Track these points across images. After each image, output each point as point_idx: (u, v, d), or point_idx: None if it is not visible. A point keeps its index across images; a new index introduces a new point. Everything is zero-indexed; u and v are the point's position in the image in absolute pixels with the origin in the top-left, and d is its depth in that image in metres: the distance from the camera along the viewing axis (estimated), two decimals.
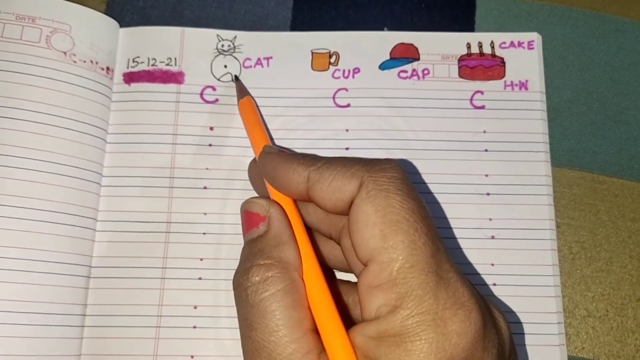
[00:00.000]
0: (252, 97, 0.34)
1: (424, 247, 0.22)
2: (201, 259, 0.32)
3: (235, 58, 0.35)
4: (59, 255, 0.31)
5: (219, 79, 0.35)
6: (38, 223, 0.31)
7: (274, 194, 0.28)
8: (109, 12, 0.36)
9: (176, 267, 0.32)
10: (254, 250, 0.26)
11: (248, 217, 0.27)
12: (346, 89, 0.35)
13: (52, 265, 0.31)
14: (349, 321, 0.27)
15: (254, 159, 0.31)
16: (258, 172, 0.30)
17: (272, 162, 0.27)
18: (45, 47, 0.33)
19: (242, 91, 0.34)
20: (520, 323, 0.32)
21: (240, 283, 0.25)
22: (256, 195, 0.31)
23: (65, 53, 0.33)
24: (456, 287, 0.22)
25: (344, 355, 0.23)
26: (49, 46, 0.33)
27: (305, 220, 0.28)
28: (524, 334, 0.32)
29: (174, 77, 0.35)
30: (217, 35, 0.36)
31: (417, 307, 0.22)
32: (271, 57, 0.35)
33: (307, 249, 0.26)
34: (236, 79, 0.35)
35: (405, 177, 0.24)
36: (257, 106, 0.34)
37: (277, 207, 0.27)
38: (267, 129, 0.34)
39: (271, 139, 0.34)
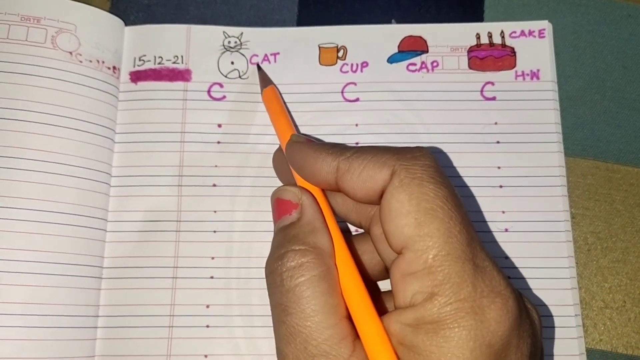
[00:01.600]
0: (276, 86, 0.34)
1: (460, 235, 0.22)
2: (212, 258, 0.32)
3: (242, 54, 0.35)
4: (70, 257, 0.31)
5: (226, 76, 0.35)
6: (48, 225, 0.31)
7: (301, 183, 0.28)
8: (113, 10, 0.36)
9: (187, 266, 0.32)
10: (288, 237, 0.26)
11: (280, 204, 0.27)
12: (355, 83, 0.34)
13: (64, 267, 0.30)
14: (380, 309, 0.27)
15: (279, 148, 0.31)
16: (284, 162, 0.29)
17: (300, 151, 0.27)
18: (51, 47, 0.33)
19: (265, 80, 0.34)
20: None
21: (275, 269, 0.25)
22: (282, 184, 0.31)
23: (71, 53, 0.33)
24: (492, 276, 0.23)
25: (379, 342, 0.23)
26: (55, 46, 0.33)
27: (334, 210, 0.28)
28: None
29: (180, 75, 0.35)
30: (224, 32, 0.35)
31: (455, 295, 0.22)
32: (278, 53, 0.35)
33: (338, 237, 0.26)
34: (258, 68, 0.35)
35: (437, 164, 0.24)
36: (281, 94, 0.34)
37: (309, 194, 0.27)
38: (292, 118, 0.33)
39: (296, 127, 0.33)
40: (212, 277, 0.32)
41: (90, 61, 0.33)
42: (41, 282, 0.30)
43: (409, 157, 0.24)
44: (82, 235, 0.31)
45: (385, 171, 0.24)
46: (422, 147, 0.25)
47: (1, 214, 0.30)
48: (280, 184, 0.31)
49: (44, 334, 0.29)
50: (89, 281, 0.31)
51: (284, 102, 0.34)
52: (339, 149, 0.26)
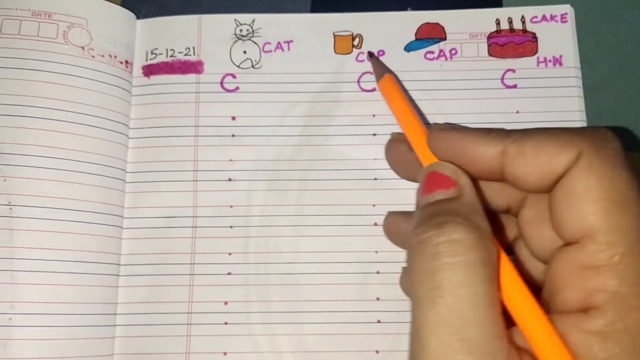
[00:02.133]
0: (393, 73, 0.32)
1: None
2: (229, 254, 0.32)
3: (255, 43, 0.34)
4: (87, 255, 0.31)
5: (238, 66, 0.34)
6: (64, 223, 0.30)
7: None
8: (124, 4, 0.35)
9: (205, 262, 0.32)
10: (445, 209, 0.23)
11: (434, 178, 0.24)
12: (371, 73, 0.34)
13: (81, 265, 0.30)
14: None
15: (394, 140, 0.29)
16: (405, 153, 0.28)
17: (454, 138, 0.25)
18: (63, 42, 0.32)
19: (380, 68, 0.32)
20: None
21: (428, 239, 0.21)
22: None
23: (83, 48, 0.32)
24: None
25: (560, 357, 0.20)
26: (67, 42, 0.32)
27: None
28: None
29: (193, 67, 0.34)
30: (235, 19, 0.35)
31: None
32: (292, 41, 0.34)
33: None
34: (371, 55, 0.33)
35: (624, 151, 0.22)
36: (400, 82, 0.32)
37: (468, 177, 0.24)
38: (417, 107, 0.32)
39: (422, 117, 0.32)
40: (229, 274, 0.32)
41: (103, 56, 0.33)
42: (59, 281, 0.30)
43: (598, 139, 0.22)
44: (98, 233, 0.31)
45: (569, 152, 0.21)
46: (609, 129, 0.22)
47: (16, 213, 0.30)
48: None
49: (62, 333, 0.29)
50: (106, 279, 0.31)
51: (405, 90, 0.32)
52: (501, 131, 0.23)
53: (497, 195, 0.26)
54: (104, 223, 0.31)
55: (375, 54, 0.34)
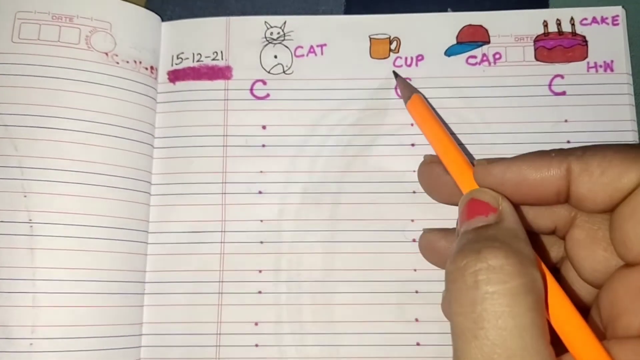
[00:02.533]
0: (421, 93, 0.31)
1: None
2: (260, 271, 0.30)
3: (286, 47, 0.33)
4: (111, 274, 0.29)
5: (269, 72, 0.32)
6: (87, 240, 0.29)
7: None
8: (149, 5, 0.33)
9: (234, 280, 0.30)
10: (484, 235, 0.22)
11: (474, 205, 0.24)
12: (409, 79, 0.32)
13: (105, 284, 0.29)
14: None
15: (426, 164, 0.28)
16: (439, 176, 0.27)
17: (508, 168, 0.24)
18: (86, 48, 0.31)
19: (406, 88, 0.31)
20: None
21: (466, 266, 0.20)
22: None
23: (107, 54, 0.31)
24: None
25: None
26: (90, 47, 0.31)
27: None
28: None
29: (221, 73, 0.32)
30: (265, 22, 0.33)
31: None
32: (325, 45, 0.33)
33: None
34: (396, 75, 0.32)
35: None
36: (427, 100, 0.31)
37: (509, 202, 0.24)
38: (447, 126, 0.31)
39: (454, 137, 0.31)
40: (260, 292, 0.30)
41: (127, 62, 0.31)
42: (81, 302, 0.28)
43: None
44: (123, 250, 0.30)
45: (637, 168, 0.21)
46: None
47: (37, 231, 0.28)
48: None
49: (85, 358, 0.28)
50: (131, 298, 0.30)
51: (434, 109, 0.31)
52: (562, 150, 0.23)
53: (542, 216, 0.25)
54: (128, 239, 0.30)
55: (399, 74, 0.32)
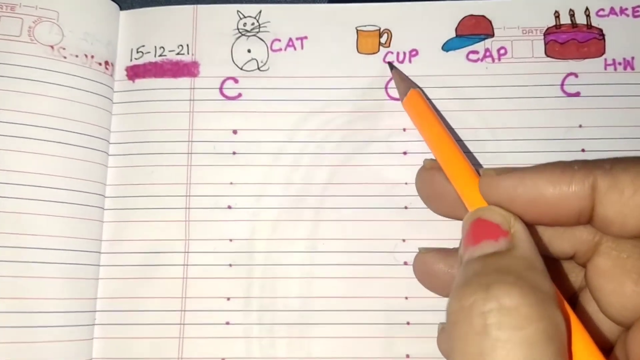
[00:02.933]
0: (420, 88, 0.27)
1: None
2: (228, 298, 0.27)
3: (261, 39, 0.29)
4: (57, 303, 0.26)
5: (241, 68, 0.29)
6: (30, 265, 0.26)
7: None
8: None
9: (198, 309, 0.27)
10: (495, 266, 0.19)
11: (481, 226, 0.21)
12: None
13: (49, 316, 0.26)
14: None
15: (426, 169, 0.25)
16: (436, 185, 0.24)
17: (520, 182, 0.21)
18: (28, 41, 0.27)
19: (403, 82, 0.28)
20: None
21: (474, 303, 0.18)
22: None
23: (52, 47, 0.28)
24: None
25: None
26: (33, 40, 0.27)
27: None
28: None
29: (186, 69, 0.29)
30: (238, 11, 0.30)
31: None
32: (306, 37, 0.29)
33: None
34: (391, 67, 0.29)
35: None
36: (428, 98, 0.28)
37: (523, 224, 0.20)
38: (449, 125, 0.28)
39: (456, 137, 0.28)
40: (227, 323, 0.27)
41: (77, 56, 0.28)
42: (23, 338, 0.25)
43: None
44: (70, 275, 0.26)
45: None
46: None
47: None
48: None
49: None
50: (79, 330, 0.26)
51: (436, 109, 0.28)
52: (586, 163, 0.20)
53: (560, 239, 0.22)
54: (77, 262, 0.26)
55: (395, 65, 0.29)
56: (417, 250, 0.26)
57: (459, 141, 0.28)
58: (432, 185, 0.25)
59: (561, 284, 0.23)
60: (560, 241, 0.22)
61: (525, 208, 0.20)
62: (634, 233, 0.19)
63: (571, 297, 0.23)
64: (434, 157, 0.25)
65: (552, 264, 0.23)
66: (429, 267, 0.25)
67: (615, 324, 0.21)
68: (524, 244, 0.20)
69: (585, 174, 0.19)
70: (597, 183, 0.19)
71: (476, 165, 0.27)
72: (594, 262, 0.21)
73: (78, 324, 0.26)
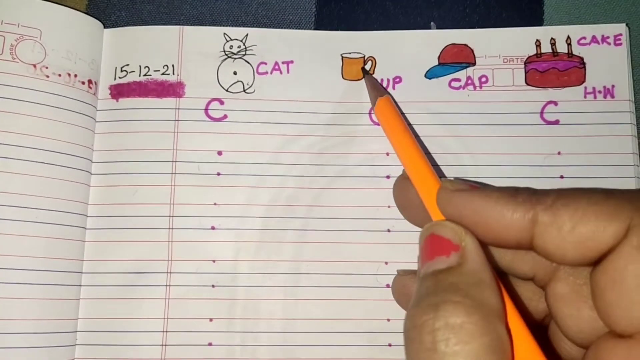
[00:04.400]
0: (391, 96, 0.28)
1: None
2: (210, 320, 0.27)
3: (247, 62, 0.29)
4: (38, 324, 0.25)
5: (227, 90, 0.29)
6: (10, 287, 0.25)
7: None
8: (90, 9, 0.29)
9: (180, 330, 0.27)
10: (443, 284, 0.20)
11: (434, 242, 0.21)
12: None
13: (31, 336, 0.25)
14: None
15: (403, 178, 0.25)
16: (410, 194, 0.24)
17: (470, 203, 0.21)
18: (10, 59, 0.27)
19: (376, 89, 0.28)
20: None
21: (424, 323, 0.19)
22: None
23: (34, 66, 0.27)
24: None
25: None
26: (15, 58, 0.27)
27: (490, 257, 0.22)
28: None
29: (171, 89, 0.29)
30: (224, 34, 0.29)
31: None
32: (292, 62, 0.29)
33: (505, 298, 0.20)
34: (365, 72, 0.29)
35: None
36: (398, 105, 0.28)
37: (474, 238, 0.21)
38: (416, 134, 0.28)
39: (424, 148, 0.28)
40: (210, 344, 0.27)
41: (60, 75, 0.27)
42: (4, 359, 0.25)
43: None
44: (51, 295, 0.26)
45: (615, 226, 0.18)
46: None
47: None
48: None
49: None
50: (59, 351, 0.26)
51: (404, 115, 0.28)
52: (529, 194, 0.20)
53: (521, 261, 0.22)
54: (58, 282, 0.26)
55: (369, 72, 0.29)
56: (397, 273, 0.26)
57: (441, 165, 0.28)
58: (405, 195, 0.25)
59: (530, 303, 0.24)
60: (521, 263, 0.22)
61: (472, 227, 0.21)
62: (574, 263, 0.19)
63: (539, 321, 0.24)
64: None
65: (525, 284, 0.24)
66: (407, 289, 0.25)
67: (577, 346, 0.21)
68: (473, 258, 0.20)
69: (527, 208, 0.20)
70: (538, 217, 0.19)
71: None
72: (552, 287, 0.22)
73: (59, 344, 0.26)
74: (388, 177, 0.28)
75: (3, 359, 0.25)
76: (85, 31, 0.28)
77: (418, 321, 0.19)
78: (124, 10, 0.30)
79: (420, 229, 0.23)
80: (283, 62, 0.29)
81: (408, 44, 0.29)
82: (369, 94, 0.28)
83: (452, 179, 0.24)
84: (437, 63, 0.29)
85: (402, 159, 0.25)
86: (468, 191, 0.21)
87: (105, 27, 0.29)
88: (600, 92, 0.28)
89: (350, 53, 0.29)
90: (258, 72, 0.29)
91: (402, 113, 0.28)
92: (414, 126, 0.28)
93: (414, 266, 0.26)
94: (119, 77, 0.29)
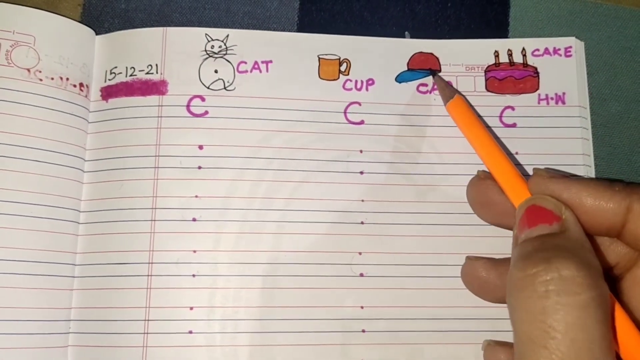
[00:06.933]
0: (462, 95, 0.29)
1: None
2: (191, 308, 0.28)
3: (228, 61, 0.30)
4: (34, 312, 0.26)
5: (208, 87, 0.30)
6: (6, 277, 0.26)
7: None
8: (85, 16, 0.30)
9: (161, 318, 0.27)
10: (551, 244, 0.21)
11: (535, 212, 0.23)
12: (359, 103, 0.30)
13: (26, 324, 0.26)
14: None
15: (479, 178, 0.27)
16: (489, 193, 0.26)
17: (566, 188, 0.23)
18: (5, 64, 0.28)
19: (447, 89, 0.29)
20: None
21: (537, 274, 0.20)
22: None
23: (29, 70, 0.28)
24: None
25: None
26: (10, 63, 0.28)
27: None
28: None
29: (155, 88, 0.30)
30: (206, 34, 0.30)
31: None
32: (271, 61, 0.30)
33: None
34: (434, 74, 0.30)
35: None
36: (472, 106, 0.30)
37: (573, 213, 0.23)
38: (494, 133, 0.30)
39: (503, 146, 0.30)
40: (190, 332, 0.27)
41: (52, 79, 0.29)
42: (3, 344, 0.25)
43: None
44: (46, 286, 0.27)
45: None
46: None
47: None
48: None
49: None
50: (54, 339, 0.27)
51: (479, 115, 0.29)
52: (626, 185, 0.22)
53: (606, 251, 0.24)
54: (53, 274, 0.27)
55: (436, 73, 0.31)
56: (466, 259, 0.28)
57: (410, 163, 0.29)
58: (485, 194, 0.27)
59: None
60: (606, 253, 0.24)
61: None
62: None
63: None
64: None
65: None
66: (478, 273, 0.27)
67: None
68: (574, 228, 0.22)
69: (624, 196, 0.22)
70: (633, 205, 0.22)
71: (425, 185, 0.29)
72: (634, 272, 0.24)
73: (53, 332, 0.27)
74: (362, 172, 0.29)
75: (3, 345, 0.25)
76: (76, 38, 0.30)
77: (530, 271, 0.20)
78: (116, 18, 0.31)
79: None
80: (262, 62, 0.30)
81: (380, 50, 0.31)
82: (440, 93, 0.30)
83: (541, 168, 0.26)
84: (406, 68, 0.31)
85: (483, 157, 0.27)
86: (565, 178, 0.23)
87: (98, 34, 0.30)
88: (552, 98, 0.31)
89: (326, 54, 0.31)
90: (238, 71, 0.30)
91: (474, 108, 0.30)
92: (385, 126, 0.30)
93: (385, 257, 0.28)
94: (109, 80, 0.30)
